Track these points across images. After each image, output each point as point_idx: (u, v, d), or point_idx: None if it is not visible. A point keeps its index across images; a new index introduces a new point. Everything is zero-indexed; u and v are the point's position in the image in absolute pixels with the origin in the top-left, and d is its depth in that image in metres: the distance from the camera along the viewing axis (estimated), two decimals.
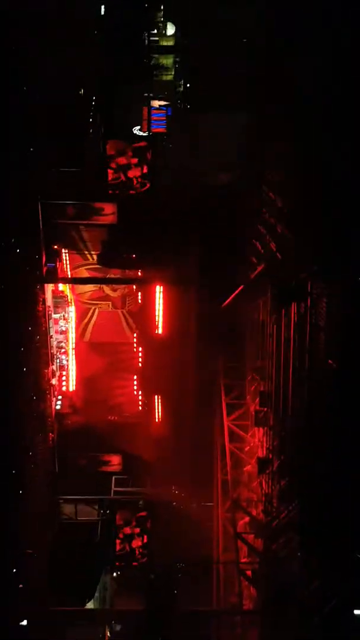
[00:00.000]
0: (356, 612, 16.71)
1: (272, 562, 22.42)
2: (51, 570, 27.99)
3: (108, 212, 28.60)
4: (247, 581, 25.83)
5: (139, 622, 26.25)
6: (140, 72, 30.71)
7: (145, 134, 29.50)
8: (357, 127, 16.80)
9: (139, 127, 30.11)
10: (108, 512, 32.72)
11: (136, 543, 31.06)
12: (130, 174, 27.34)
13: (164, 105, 30.20)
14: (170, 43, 31.86)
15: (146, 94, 30.42)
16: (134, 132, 29.89)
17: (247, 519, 27.48)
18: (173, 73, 31.59)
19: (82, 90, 28.90)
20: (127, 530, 31.09)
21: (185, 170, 27.24)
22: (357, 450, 15.93)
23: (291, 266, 20.89)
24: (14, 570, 23.57)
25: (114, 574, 33.09)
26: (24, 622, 24.51)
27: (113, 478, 33.40)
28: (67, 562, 29.40)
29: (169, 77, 31.58)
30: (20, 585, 24.23)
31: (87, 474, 33.03)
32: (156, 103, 30.29)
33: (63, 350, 32.59)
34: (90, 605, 31.88)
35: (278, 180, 23.04)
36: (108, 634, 30.97)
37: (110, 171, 27.25)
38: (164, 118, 29.65)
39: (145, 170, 27.10)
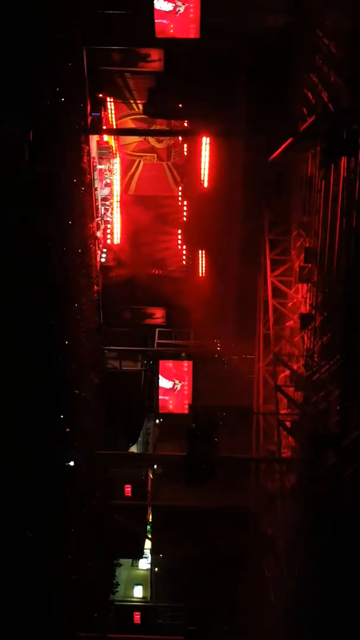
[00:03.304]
0: None
1: (312, 413, 23.06)
2: (99, 414, 29.21)
3: (154, 59, 27.51)
4: (286, 431, 26.74)
5: (179, 466, 27.45)
6: None
7: None
8: None
9: None
10: (151, 362, 33.67)
11: (178, 392, 32.04)
12: (178, 16, 25.91)
13: None
14: None
15: None
16: None
17: (287, 372, 28.05)
18: None
19: None
20: (169, 379, 31.98)
21: (235, 12, 25.81)
22: None
23: (343, 118, 20.08)
24: (62, 414, 24.51)
25: (157, 421, 34.47)
26: (71, 463, 25.84)
27: (157, 331, 34.11)
28: (113, 408, 30.64)
29: None
30: (68, 429, 25.28)
31: (131, 326, 33.75)
32: None
33: (108, 203, 32.41)
34: (133, 449, 33.53)
35: (334, 25, 21.72)
36: (150, 475, 32.62)
37: (156, 13, 25.88)
38: None
39: (193, 12, 25.63)
